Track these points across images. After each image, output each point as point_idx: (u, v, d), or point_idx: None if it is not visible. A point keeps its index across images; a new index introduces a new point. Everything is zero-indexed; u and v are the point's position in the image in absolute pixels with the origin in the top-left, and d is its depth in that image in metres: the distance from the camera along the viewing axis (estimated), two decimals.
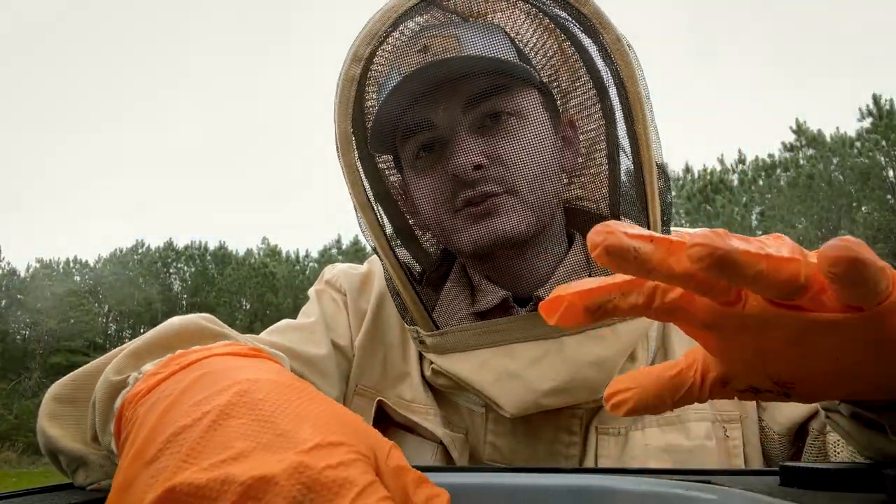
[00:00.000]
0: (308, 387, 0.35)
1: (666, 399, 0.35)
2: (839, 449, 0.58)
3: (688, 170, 23.56)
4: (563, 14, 0.66)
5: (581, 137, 0.72)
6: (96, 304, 29.57)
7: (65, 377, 0.50)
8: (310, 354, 0.69)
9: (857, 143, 19.77)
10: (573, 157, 0.71)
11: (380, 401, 0.70)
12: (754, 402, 0.66)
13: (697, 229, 0.79)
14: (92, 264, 31.64)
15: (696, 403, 0.36)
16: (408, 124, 0.65)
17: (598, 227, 0.27)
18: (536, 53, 0.73)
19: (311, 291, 0.80)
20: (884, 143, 18.75)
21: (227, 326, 0.51)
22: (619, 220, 0.69)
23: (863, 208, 18.57)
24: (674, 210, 0.72)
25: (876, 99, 19.18)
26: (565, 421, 0.64)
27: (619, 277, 0.32)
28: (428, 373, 0.69)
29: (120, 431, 0.39)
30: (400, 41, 0.69)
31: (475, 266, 0.70)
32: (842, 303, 0.27)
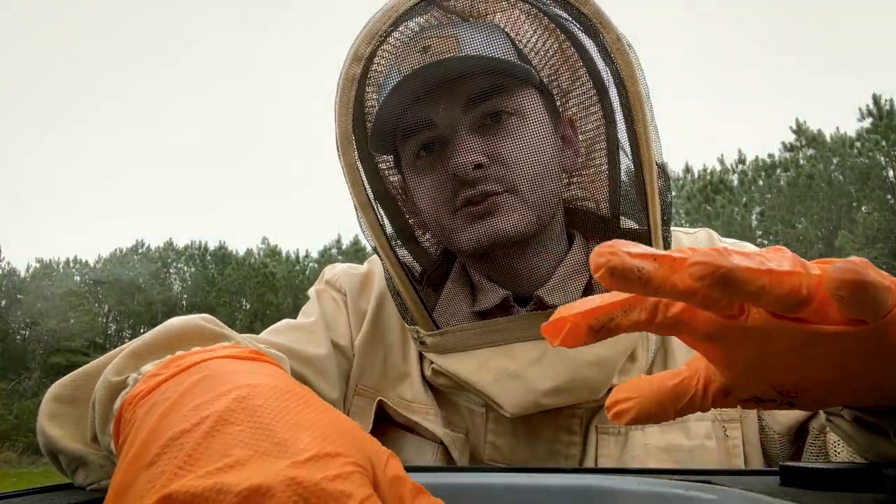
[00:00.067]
0: (307, 392, 0.35)
1: (668, 408, 0.35)
2: (839, 448, 0.58)
3: (688, 170, 23.56)
4: (563, 14, 0.66)
5: (581, 137, 0.72)
6: (96, 304, 29.57)
7: (65, 377, 0.50)
8: (310, 354, 0.69)
9: (857, 143, 19.77)
10: (573, 156, 0.71)
11: (380, 401, 0.70)
12: None
13: (699, 229, 0.79)
14: (92, 264, 31.66)
15: (702, 412, 0.36)
16: (408, 124, 0.65)
17: (600, 249, 0.27)
18: (536, 53, 0.73)
19: (312, 291, 0.80)
20: (884, 143, 18.74)
21: (226, 327, 0.51)
22: (618, 219, 0.69)
23: (863, 208, 18.57)
24: (674, 210, 0.72)
25: (876, 99, 19.17)
26: (565, 421, 0.64)
27: (620, 294, 0.32)
28: (428, 373, 0.69)
29: (119, 432, 0.39)
30: (400, 41, 0.69)
31: (475, 265, 0.70)
32: (845, 315, 0.27)
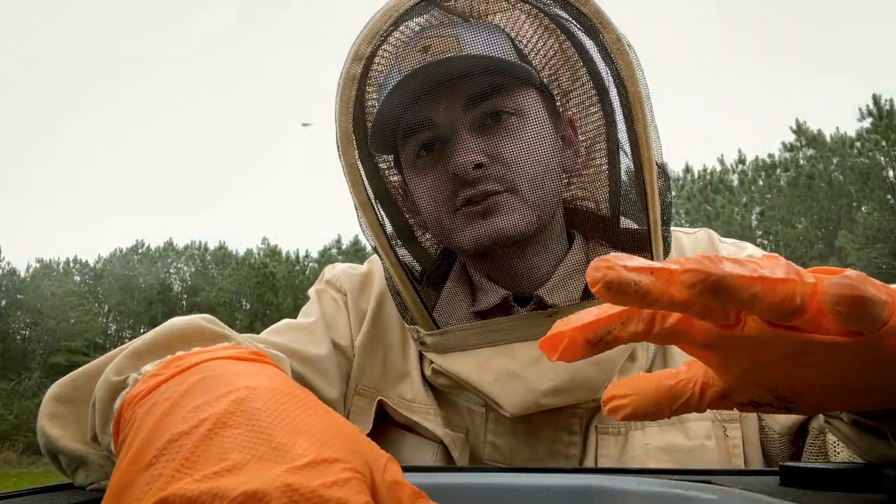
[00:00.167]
0: (307, 395, 0.35)
1: (663, 407, 0.35)
2: (839, 449, 0.58)
3: (688, 170, 23.56)
4: (564, 14, 0.66)
5: (581, 137, 0.72)
6: (96, 304, 29.58)
7: (65, 377, 0.50)
8: (310, 354, 0.69)
9: (857, 143, 19.77)
10: (573, 156, 0.71)
11: (380, 400, 0.70)
12: None
13: (698, 229, 0.79)
14: (92, 264, 31.67)
15: (698, 413, 0.36)
16: (408, 123, 0.65)
17: (596, 263, 0.27)
18: (537, 53, 0.73)
19: (312, 291, 0.80)
20: (884, 143, 18.74)
21: (227, 327, 0.51)
22: (618, 219, 0.69)
23: (863, 208, 18.57)
24: (674, 210, 0.72)
25: (876, 99, 19.17)
26: (565, 420, 0.64)
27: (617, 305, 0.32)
28: (428, 372, 0.69)
29: (119, 432, 0.39)
30: (401, 40, 0.69)
31: (475, 265, 0.70)
32: (840, 327, 0.27)
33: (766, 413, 0.37)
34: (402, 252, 0.73)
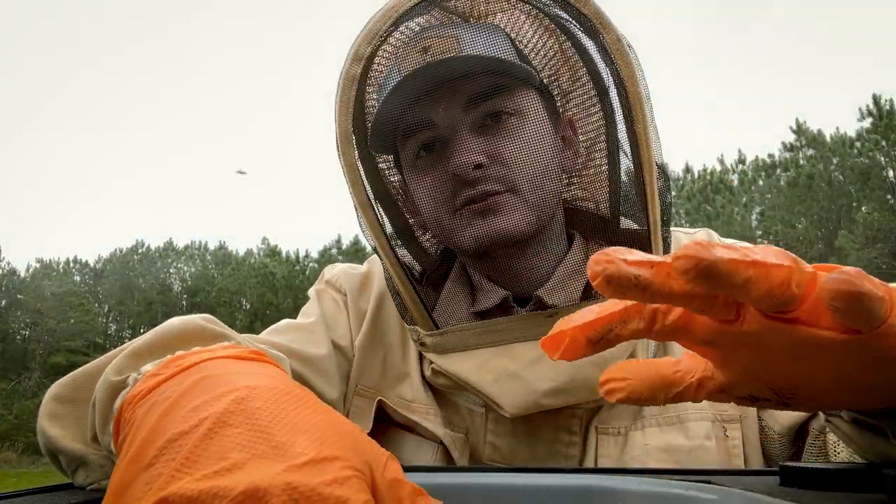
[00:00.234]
0: (307, 394, 0.35)
1: (658, 394, 0.35)
2: (839, 449, 0.58)
3: (688, 170, 23.55)
4: (564, 14, 0.66)
5: (581, 137, 0.72)
6: (96, 304, 29.58)
7: (65, 377, 0.50)
8: (310, 354, 0.69)
9: (857, 143, 19.76)
10: (573, 156, 0.71)
11: (380, 401, 0.70)
12: None
13: (698, 229, 0.79)
14: (92, 264, 31.66)
15: (694, 403, 0.36)
16: (408, 124, 0.65)
17: (596, 257, 0.27)
18: (537, 54, 0.73)
19: (312, 291, 0.80)
20: (884, 143, 18.74)
21: (227, 327, 0.51)
22: (618, 219, 0.69)
23: (863, 208, 18.56)
24: (674, 210, 0.72)
25: (876, 99, 19.17)
26: (565, 421, 0.64)
27: (619, 303, 0.32)
28: (428, 373, 0.69)
29: (119, 432, 0.39)
30: (401, 41, 0.69)
31: (475, 265, 0.70)
32: (838, 323, 0.27)
33: (763, 407, 0.37)
34: (402, 252, 0.73)
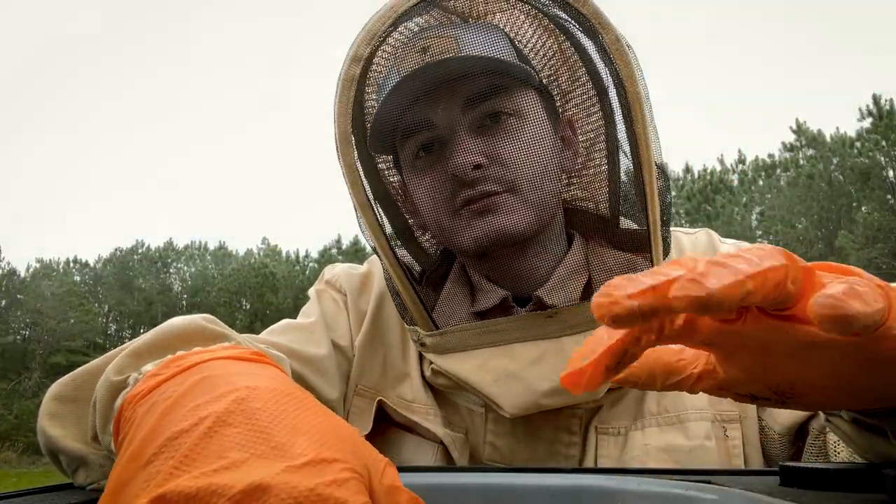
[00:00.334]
0: (307, 396, 0.35)
1: (656, 380, 0.36)
2: (839, 448, 0.58)
3: (688, 170, 23.55)
4: (563, 14, 0.66)
5: (580, 137, 0.72)
6: (96, 304, 29.58)
7: (65, 376, 0.50)
8: (310, 354, 0.69)
9: (857, 143, 19.76)
10: (573, 156, 0.71)
11: (380, 401, 0.70)
12: None
13: (698, 229, 0.78)
14: (92, 264, 31.66)
15: (690, 394, 0.36)
16: (407, 124, 0.65)
17: (599, 299, 0.27)
18: (536, 54, 0.73)
19: (311, 291, 0.80)
20: (884, 143, 18.74)
21: (227, 327, 0.51)
22: (618, 219, 0.69)
23: (863, 208, 18.56)
24: (674, 210, 0.72)
25: (876, 99, 19.17)
26: (565, 421, 0.64)
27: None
28: (428, 373, 0.69)
29: (119, 431, 0.39)
30: (399, 41, 0.69)
31: (475, 266, 0.70)
32: None
33: (762, 405, 0.37)
34: (402, 252, 0.73)
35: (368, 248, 0.71)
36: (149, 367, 0.41)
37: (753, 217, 21.81)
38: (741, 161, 23.20)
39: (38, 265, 29.82)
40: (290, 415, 0.31)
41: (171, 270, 31.07)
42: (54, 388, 0.49)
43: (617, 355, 0.32)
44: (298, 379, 0.67)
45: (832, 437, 0.59)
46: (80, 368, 0.50)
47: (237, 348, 0.43)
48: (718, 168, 23.18)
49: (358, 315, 0.76)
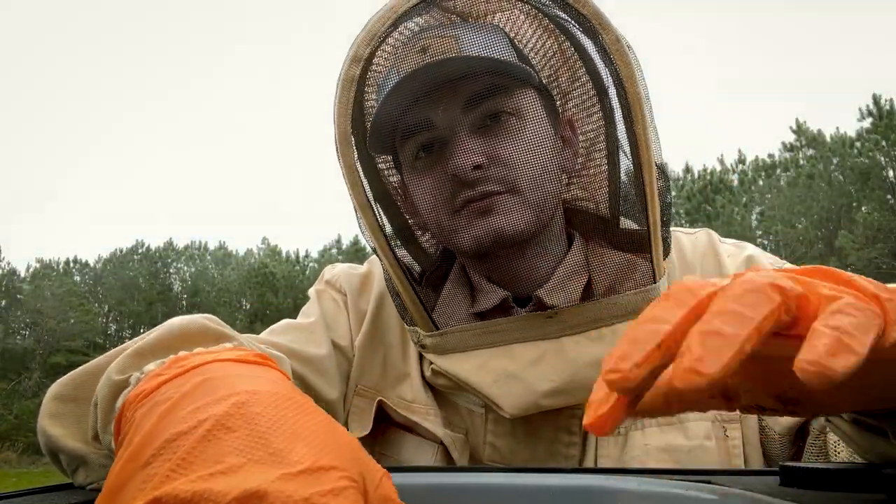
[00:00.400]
0: (307, 401, 0.35)
1: (671, 407, 0.35)
2: (839, 448, 0.58)
3: (688, 170, 23.55)
4: (563, 15, 0.66)
5: (580, 138, 0.72)
6: (96, 304, 29.58)
7: (65, 376, 0.50)
8: (310, 354, 0.69)
9: (857, 143, 19.77)
10: (573, 157, 0.71)
11: (380, 401, 0.70)
12: None
13: (698, 229, 0.78)
14: (92, 264, 31.66)
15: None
16: (407, 125, 0.65)
17: (608, 375, 0.26)
18: (536, 54, 0.73)
19: (311, 291, 0.80)
20: (884, 143, 18.74)
21: (228, 327, 0.51)
22: (618, 220, 0.69)
23: (863, 208, 18.56)
24: (674, 210, 0.72)
25: (876, 99, 19.17)
26: (565, 421, 0.64)
27: (638, 350, 0.31)
28: (428, 373, 0.69)
29: (119, 431, 0.39)
30: (399, 42, 0.69)
31: (475, 266, 0.70)
32: None
33: (771, 415, 0.37)
34: (402, 253, 0.73)
35: (368, 249, 0.71)
36: (151, 367, 0.41)
37: (753, 217, 21.81)
38: (741, 161, 23.21)
39: (38, 265, 29.83)
40: (289, 420, 0.31)
41: (171, 270, 31.08)
42: (54, 387, 0.49)
43: (638, 388, 0.32)
44: (299, 379, 0.67)
45: (832, 437, 0.59)
46: (80, 368, 0.50)
47: (240, 350, 0.43)
48: (718, 168, 23.20)
49: (358, 315, 0.76)
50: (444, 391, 0.69)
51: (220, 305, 26.79)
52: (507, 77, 0.63)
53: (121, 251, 31.70)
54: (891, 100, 18.91)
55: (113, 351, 0.47)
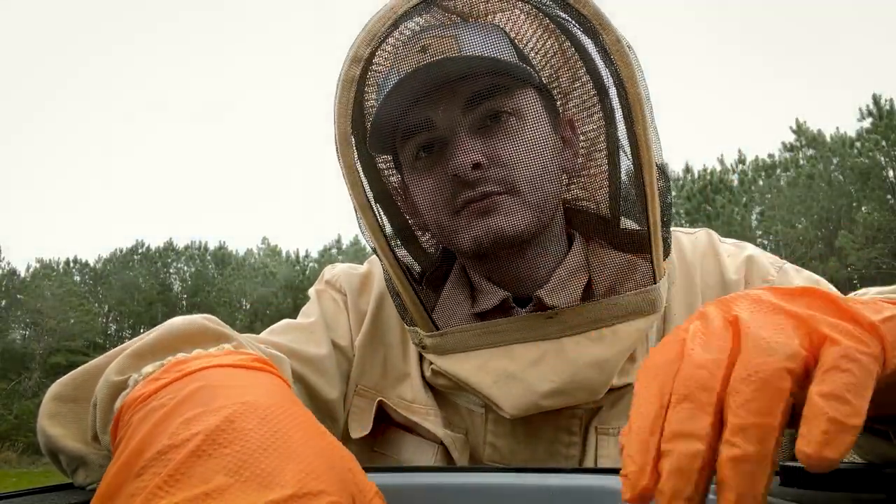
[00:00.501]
0: (302, 412, 0.35)
1: None
2: None
3: (688, 170, 23.54)
4: (563, 15, 0.66)
5: (581, 138, 0.72)
6: (96, 304, 29.57)
7: (65, 376, 0.50)
8: (310, 354, 0.69)
9: (857, 143, 19.76)
10: (573, 157, 0.71)
11: (380, 401, 0.70)
12: None
13: (698, 229, 0.78)
14: (92, 264, 31.65)
15: None
16: (407, 125, 0.65)
17: (627, 493, 0.28)
18: (536, 54, 0.73)
19: (312, 291, 0.80)
20: (884, 143, 18.74)
21: (228, 327, 0.51)
22: (618, 220, 0.69)
23: (863, 208, 18.56)
24: (674, 210, 0.72)
25: (876, 99, 19.17)
26: (565, 421, 0.64)
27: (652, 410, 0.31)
28: (428, 373, 0.69)
29: (116, 434, 0.39)
30: (399, 42, 0.69)
31: (475, 266, 0.70)
32: None
33: None
34: (402, 253, 0.73)
35: (368, 249, 0.71)
36: (149, 368, 0.41)
37: (753, 217, 21.81)
38: (741, 161, 23.20)
39: (38, 265, 29.82)
40: (281, 436, 0.31)
41: (171, 270, 31.07)
42: (54, 387, 0.49)
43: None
44: (299, 379, 0.67)
45: None
46: (80, 368, 0.50)
47: (240, 354, 0.43)
48: (718, 168, 23.19)
49: (358, 315, 0.76)
50: (444, 391, 0.69)
51: (220, 305, 26.77)
52: (507, 77, 0.63)
53: (121, 251, 31.70)
54: (891, 100, 18.92)
55: (113, 351, 0.47)
